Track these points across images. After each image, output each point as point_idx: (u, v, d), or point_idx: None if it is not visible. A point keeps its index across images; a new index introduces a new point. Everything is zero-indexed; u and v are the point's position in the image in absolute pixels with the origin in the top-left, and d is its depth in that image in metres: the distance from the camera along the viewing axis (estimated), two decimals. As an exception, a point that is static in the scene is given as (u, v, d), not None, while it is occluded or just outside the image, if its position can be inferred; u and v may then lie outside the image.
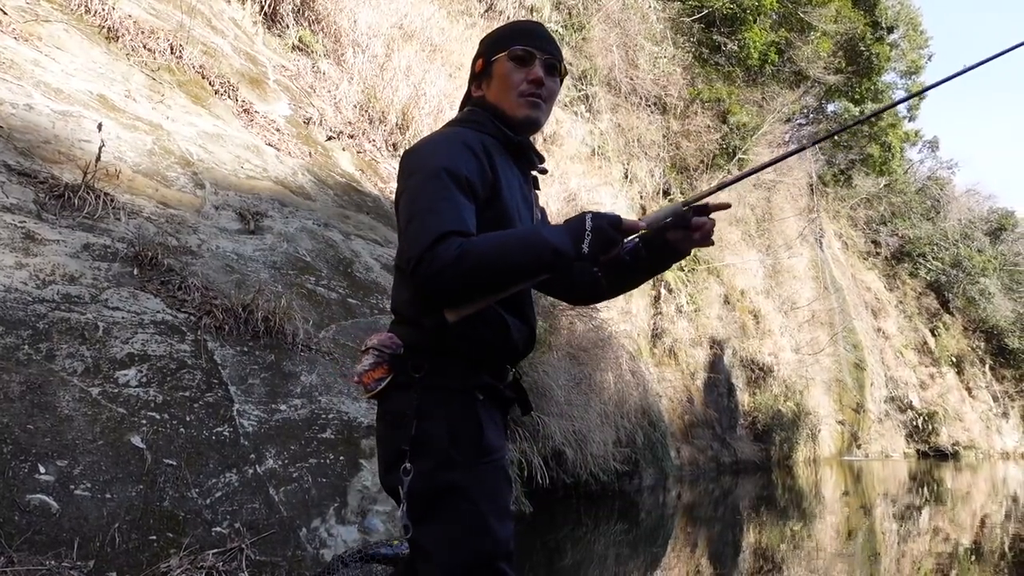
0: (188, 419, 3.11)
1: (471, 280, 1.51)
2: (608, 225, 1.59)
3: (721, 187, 1.80)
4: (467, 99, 1.88)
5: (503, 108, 1.78)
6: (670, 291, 13.12)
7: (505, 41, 1.80)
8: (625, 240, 1.63)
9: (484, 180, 1.65)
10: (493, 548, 1.57)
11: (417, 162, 1.64)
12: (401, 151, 8.12)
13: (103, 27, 5.54)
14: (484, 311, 1.61)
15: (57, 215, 3.78)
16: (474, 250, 1.50)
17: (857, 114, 20.88)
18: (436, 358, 1.61)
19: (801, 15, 17.78)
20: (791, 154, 1.92)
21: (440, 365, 1.61)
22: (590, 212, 1.61)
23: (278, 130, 6.30)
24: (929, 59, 25.85)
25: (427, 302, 1.57)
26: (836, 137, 22.06)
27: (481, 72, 1.82)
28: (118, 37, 5.61)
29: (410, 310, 1.66)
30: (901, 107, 24.55)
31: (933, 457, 21.15)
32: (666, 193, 14.53)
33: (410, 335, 1.65)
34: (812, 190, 20.83)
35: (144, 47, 5.75)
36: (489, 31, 1.95)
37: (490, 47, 1.82)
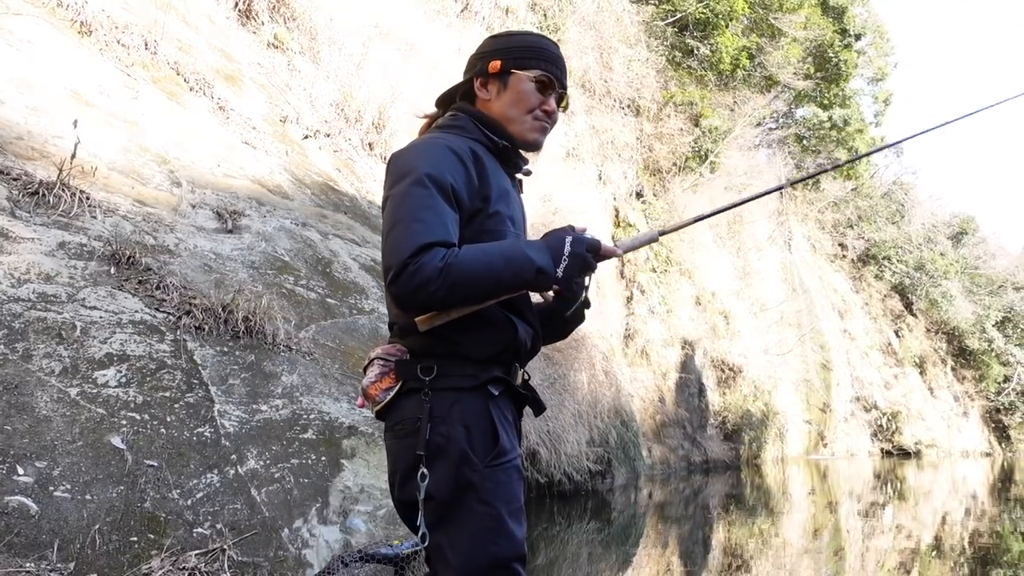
0: (169, 420, 3.09)
1: (454, 293, 1.48)
2: (587, 250, 1.57)
3: (699, 219, 1.84)
4: (453, 96, 1.82)
5: (509, 125, 1.75)
6: (643, 292, 13.25)
7: (531, 60, 1.76)
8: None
9: (471, 189, 1.62)
10: (510, 550, 1.55)
11: (402, 168, 1.59)
12: (377, 151, 8.10)
13: (76, 21, 5.46)
14: (487, 312, 1.59)
15: (31, 212, 3.73)
16: (459, 264, 1.48)
17: (825, 120, 21.25)
18: (445, 360, 1.59)
19: (772, 21, 18.05)
20: (771, 191, 1.98)
21: (450, 366, 1.59)
22: (570, 235, 1.59)
23: (254, 128, 6.25)
24: (895, 66, 26.40)
25: (403, 310, 1.54)
26: (805, 142, 22.44)
27: (496, 75, 1.76)
28: (91, 31, 5.52)
29: (412, 320, 1.60)
30: (868, 114, 25.05)
31: (896, 456, 21.63)
32: (639, 195, 14.67)
33: (416, 342, 1.62)
34: (781, 193, 21.14)
35: (118, 42, 5.67)
36: (500, 31, 1.90)
37: (512, 56, 1.76)
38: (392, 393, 1.60)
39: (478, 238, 1.59)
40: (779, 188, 2.01)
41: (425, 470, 1.53)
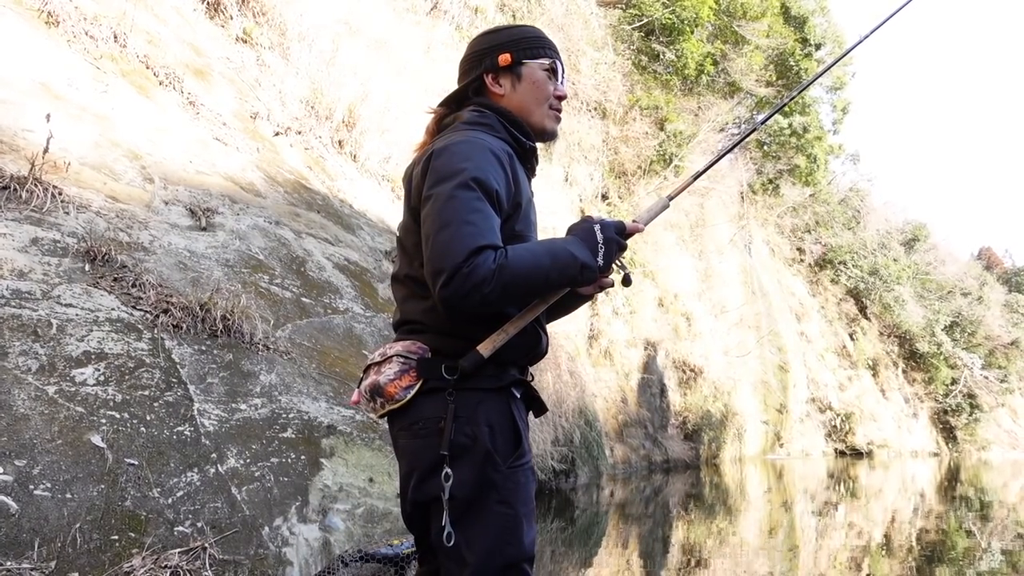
0: (148, 418, 3.09)
1: (507, 293, 1.49)
2: (616, 233, 1.62)
3: (698, 175, 1.89)
4: (466, 93, 1.79)
5: (529, 116, 1.76)
6: (607, 293, 13.40)
7: (539, 48, 1.77)
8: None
9: (509, 193, 1.63)
10: (523, 552, 1.57)
11: (447, 169, 1.56)
12: (347, 149, 8.08)
13: (43, 11, 5.37)
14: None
15: (2, 208, 3.68)
16: (510, 264, 1.49)
17: (786, 127, 21.72)
18: None
19: (736, 28, 18.40)
20: (754, 130, 2.07)
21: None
22: (596, 222, 1.63)
23: (224, 124, 6.21)
24: (853, 75, 27.07)
25: (454, 312, 1.52)
26: (765, 147, 22.88)
27: (508, 67, 1.75)
28: (59, 22, 5.44)
29: (432, 318, 1.62)
30: (827, 122, 25.65)
31: (849, 455, 22.17)
32: (604, 197, 14.83)
33: (438, 341, 1.62)
34: (742, 198, 21.57)
35: (86, 34, 5.59)
36: (491, 27, 1.88)
37: (520, 47, 1.76)
38: (413, 392, 1.58)
39: (508, 242, 1.59)
40: (765, 120, 2.13)
41: (449, 470, 1.53)
